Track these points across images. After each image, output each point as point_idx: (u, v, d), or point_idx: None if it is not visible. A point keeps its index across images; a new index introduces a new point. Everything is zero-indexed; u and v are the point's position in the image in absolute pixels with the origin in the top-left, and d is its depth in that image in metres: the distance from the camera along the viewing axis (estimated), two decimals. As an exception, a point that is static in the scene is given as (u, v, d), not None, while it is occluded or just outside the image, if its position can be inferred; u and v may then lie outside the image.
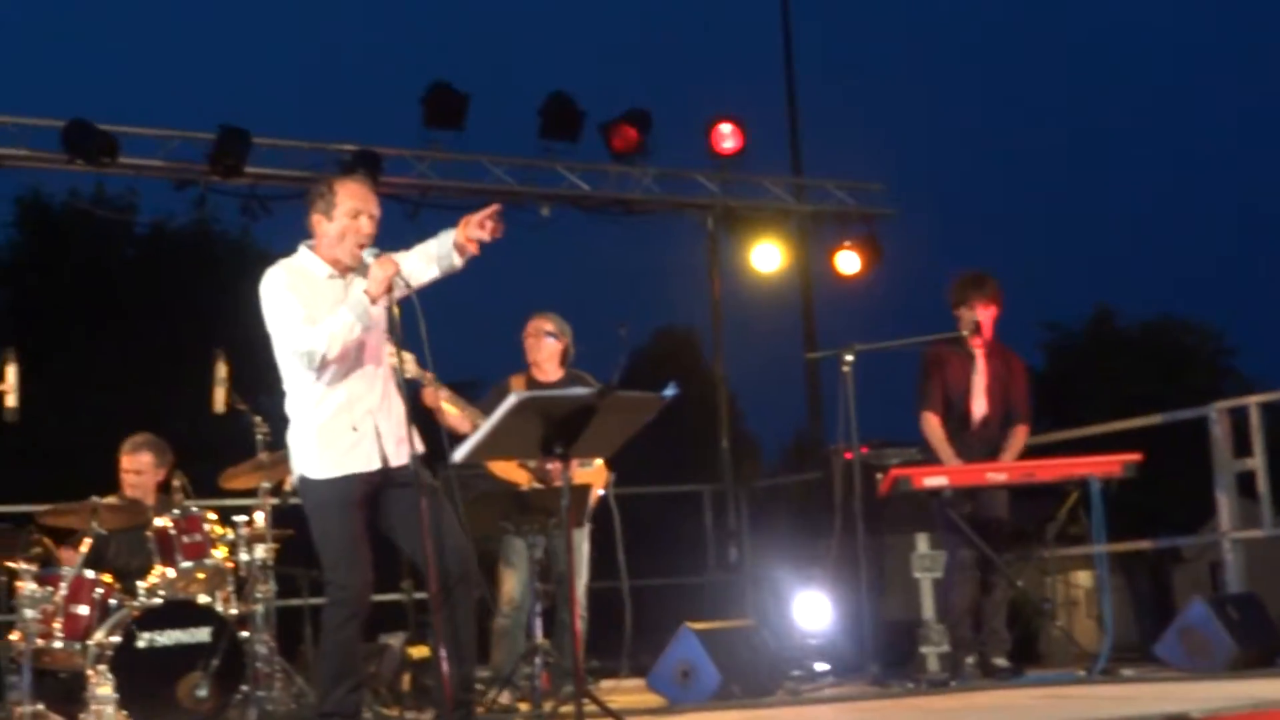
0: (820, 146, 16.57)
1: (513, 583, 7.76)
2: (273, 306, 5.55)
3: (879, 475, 7.96)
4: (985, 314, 7.98)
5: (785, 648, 8.94)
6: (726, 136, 12.56)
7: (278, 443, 7.13)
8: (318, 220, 5.62)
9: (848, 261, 13.05)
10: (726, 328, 13.28)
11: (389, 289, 5.42)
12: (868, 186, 13.32)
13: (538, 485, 7.58)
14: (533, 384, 7.81)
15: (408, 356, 6.20)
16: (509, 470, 7.67)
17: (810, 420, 14.91)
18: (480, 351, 7.83)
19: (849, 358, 7.81)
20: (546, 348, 8.01)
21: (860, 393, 7.88)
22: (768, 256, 13.33)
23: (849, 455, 8.11)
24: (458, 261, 5.59)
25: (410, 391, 5.83)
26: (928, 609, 7.72)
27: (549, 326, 8.04)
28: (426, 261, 5.58)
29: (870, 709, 7.15)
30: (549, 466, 7.57)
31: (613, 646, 8.01)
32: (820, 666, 8.48)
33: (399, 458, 5.53)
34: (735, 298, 13.93)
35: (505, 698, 7.51)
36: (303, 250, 5.68)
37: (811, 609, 9.27)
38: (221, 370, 7.70)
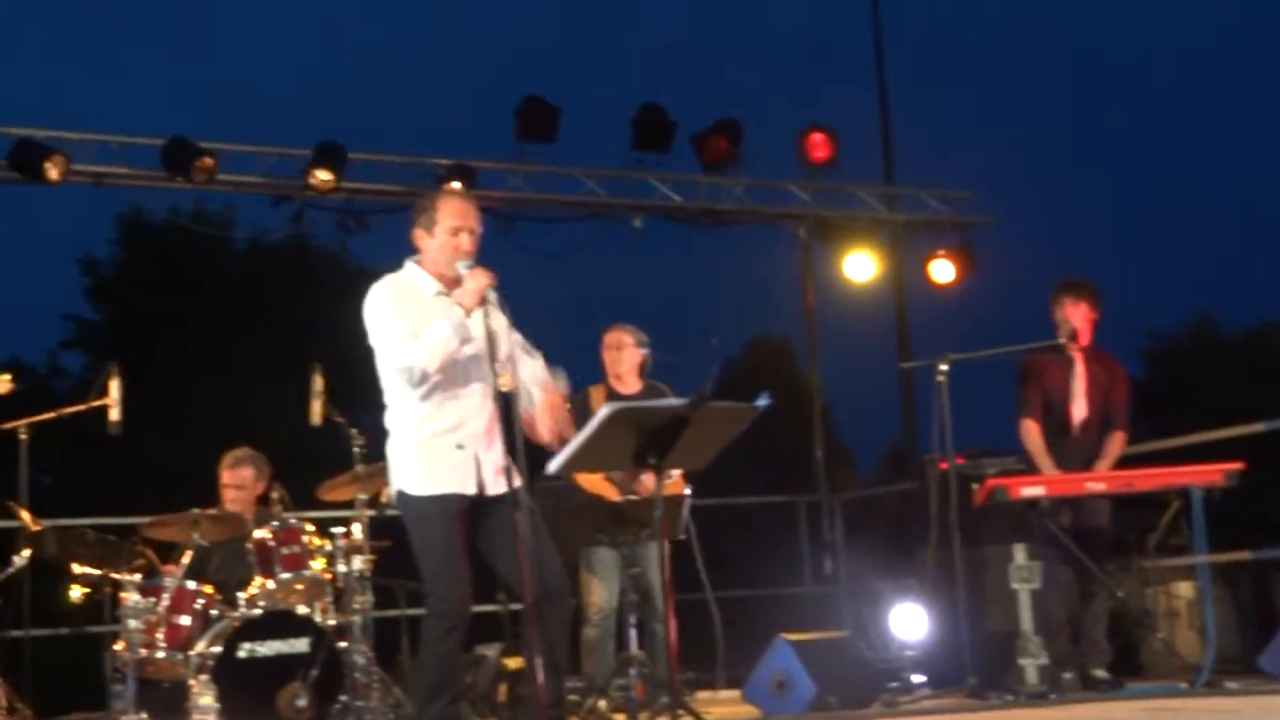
0: (913, 155, 16.44)
1: (599, 593, 7.77)
2: (376, 322, 5.58)
3: (975, 485, 7.89)
4: (1076, 313, 7.88)
5: (881, 659, 8.90)
6: (818, 146, 12.53)
7: (374, 455, 7.19)
8: (420, 235, 5.66)
9: (942, 270, 12.95)
10: (820, 338, 13.25)
11: (482, 300, 5.45)
12: (961, 195, 13.22)
13: (631, 497, 7.57)
14: (613, 396, 7.81)
15: (503, 368, 6.21)
16: (595, 483, 7.68)
17: (905, 430, 14.79)
18: (577, 364, 7.85)
19: (944, 367, 7.75)
20: (628, 359, 8.01)
21: (956, 402, 7.82)
22: (861, 266, 13.26)
23: (944, 465, 8.05)
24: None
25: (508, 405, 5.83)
26: (1026, 620, 7.64)
27: (631, 338, 8.04)
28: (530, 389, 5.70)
29: (967, 721, 7.10)
30: (639, 480, 7.57)
31: (708, 658, 8.00)
32: (917, 678, 8.43)
33: (496, 488, 5.54)
34: (828, 308, 13.87)
35: (601, 708, 7.52)
36: (409, 266, 5.71)
37: (908, 620, 9.21)
38: (318, 383, 7.77)
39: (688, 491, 7.66)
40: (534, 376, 5.75)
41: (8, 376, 6.32)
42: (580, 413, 7.40)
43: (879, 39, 15.16)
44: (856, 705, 7.39)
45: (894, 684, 8.16)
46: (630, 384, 7.99)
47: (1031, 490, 7.58)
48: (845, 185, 12.87)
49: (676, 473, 7.60)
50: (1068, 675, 7.73)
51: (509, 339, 5.67)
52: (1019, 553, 8.07)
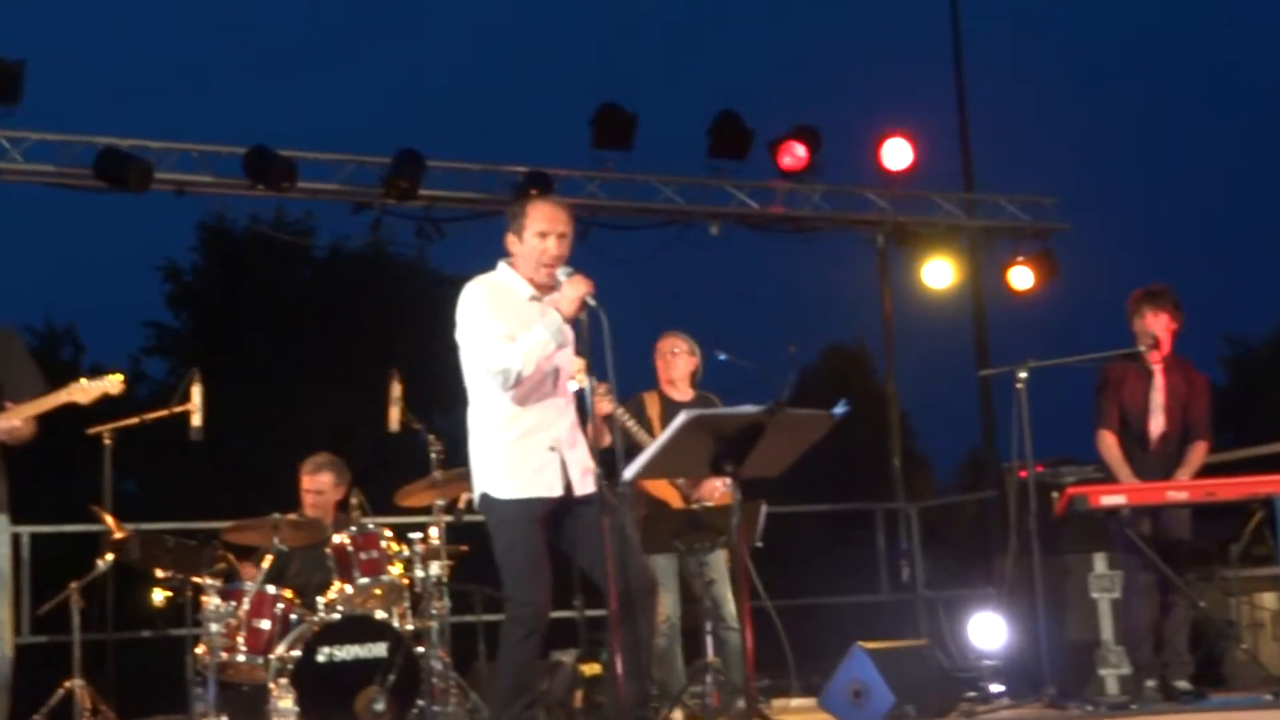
0: (993, 161, 16.33)
1: (664, 602, 7.76)
2: (470, 321, 5.60)
3: (1055, 494, 7.82)
4: (1157, 322, 7.78)
5: (959, 668, 8.85)
6: (897, 152, 12.48)
7: (452, 461, 7.23)
8: (511, 240, 5.70)
9: (1021, 277, 12.86)
10: (898, 345, 13.19)
11: (582, 307, 5.47)
12: (1041, 201, 13.12)
13: (694, 505, 7.57)
14: (666, 402, 7.81)
15: (579, 363, 6.24)
16: (661, 488, 7.68)
17: (984, 438, 14.70)
18: (654, 371, 7.88)
19: (1023, 375, 7.68)
20: (681, 366, 8.01)
21: (1035, 410, 7.75)
22: (939, 273, 13.19)
23: (1024, 474, 7.99)
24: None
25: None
26: (1106, 630, 7.58)
27: (684, 345, 8.05)
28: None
29: (1047, 732, 7.04)
30: (700, 488, 7.58)
31: (785, 665, 7.98)
32: (995, 688, 8.36)
33: (584, 488, 5.56)
34: (906, 315, 13.82)
35: (675, 716, 7.52)
36: (502, 267, 5.74)
37: (986, 629, 9.14)
38: (396, 389, 7.83)
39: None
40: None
41: (119, 377, 6.41)
42: (635, 417, 7.42)
43: (958, 44, 15.09)
44: (934, 715, 7.34)
45: (972, 694, 8.10)
46: (682, 391, 7.99)
47: (1112, 499, 7.50)
48: (924, 192, 12.82)
49: (717, 482, 7.60)
50: (1149, 686, 7.64)
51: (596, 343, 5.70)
52: (1099, 562, 8.02)
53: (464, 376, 5.67)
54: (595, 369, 5.59)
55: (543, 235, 5.61)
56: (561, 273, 5.54)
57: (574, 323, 5.53)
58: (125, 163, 10.09)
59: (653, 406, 7.72)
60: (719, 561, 7.57)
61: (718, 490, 7.59)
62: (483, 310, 5.57)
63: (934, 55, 17.08)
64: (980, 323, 14.41)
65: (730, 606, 7.71)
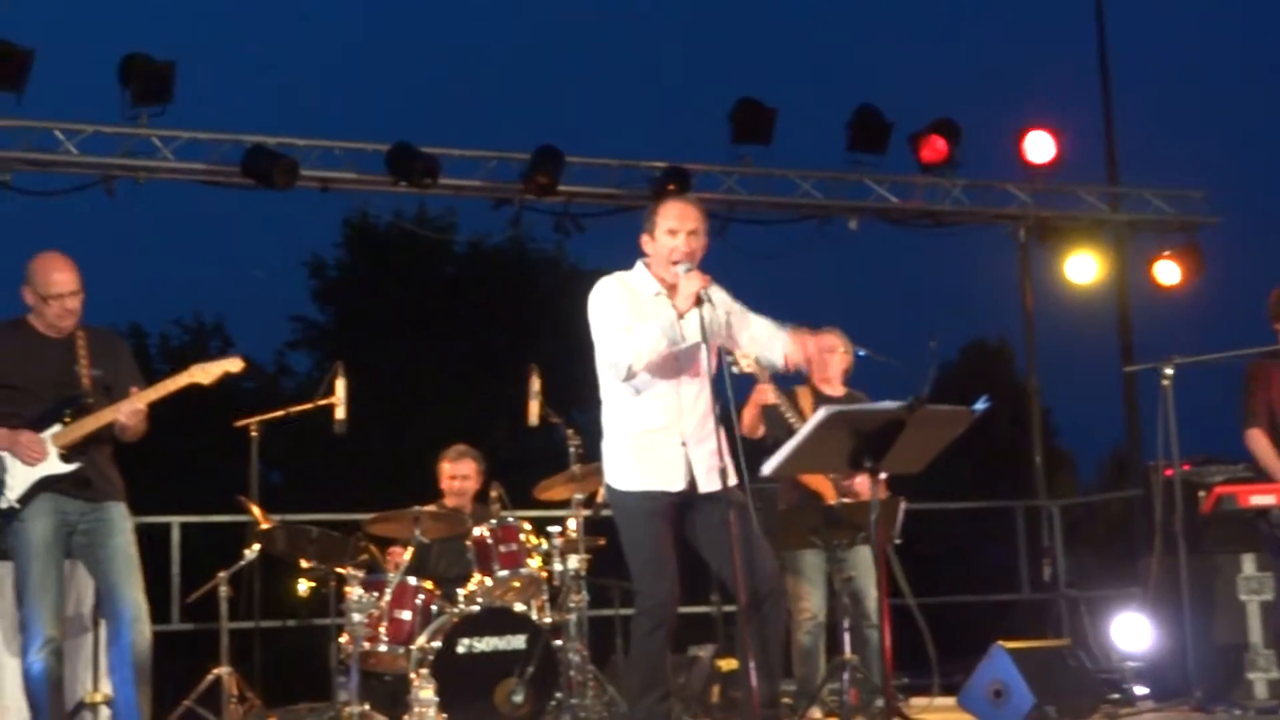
0: (1138, 153, 16.06)
1: (811, 598, 7.73)
2: (597, 316, 5.67)
3: (1201, 493, 7.67)
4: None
5: (1102, 670, 8.71)
6: (1039, 145, 12.32)
7: (590, 455, 7.28)
8: (646, 240, 5.75)
9: (1167, 272, 12.64)
10: (1039, 341, 13.02)
11: (697, 302, 5.48)
12: (1188, 194, 12.87)
13: (844, 499, 7.53)
14: (818, 397, 7.77)
15: (749, 351, 6.25)
16: (818, 481, 7.66)
17: (1128, 436, 14.45)
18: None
19: (1169, 371, 7.55)
20: (837, 363, 7.97)
21: (1181, 407, 7.62)
22: (1083, 268, 12.99)
23: (1169, 472, 7.85)
24: (777, 361, 5.80)
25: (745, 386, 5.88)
26: (1255, 633, 7.42)
27: (841, 343, 8.01)
28: (769, 339, 5.75)
29: (1193, 735, 6.92)
30: (853, 482, 7.53)
31: (923, 663, 7.91)
32: (1139, 690, 8.22)
33: (709, 485, 5.57)
34: (1048, 310, 13.63)
35: (814, 713, 7.50)
36: (638, 267, 5.81)
37: (1130, 630, 8.98)
38: (535, 384, 7.89)
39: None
40: (768, 337, 5.78)
41: (239, 358, 6.53)
42: (796, 412, 7.38)
43: (1102, 34, 14.84)
44: (1075, 716, 7.24)
45: (1115, 696, 7.98)
46: (836, 388, 7.95)
47: (1262, 499, 7.32)
48: (1067, 185, 12.64)
49: (882, 477, 7.55)
50: (1299, 691, 7.48)
51: (729, 316, 5.71)
52: (1248, 563, 7.84)
53: (597, 373, 5.71)
54: (709, 364, 5.60)
55: (672, 233, 5.65)
56: (680, 269, 5.57)
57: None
58: (271, 160, 10.27)
59: (805, 401, 7.69)
60: (863, 558, 7.52)
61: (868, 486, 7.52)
62: (606, 305, 5.65)
63: (1077, 45, 16.81)
64: (1125, 318, 14.17)
65: (871, 603, 7.67)
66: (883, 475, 7.30)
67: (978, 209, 12.36)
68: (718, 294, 5.68)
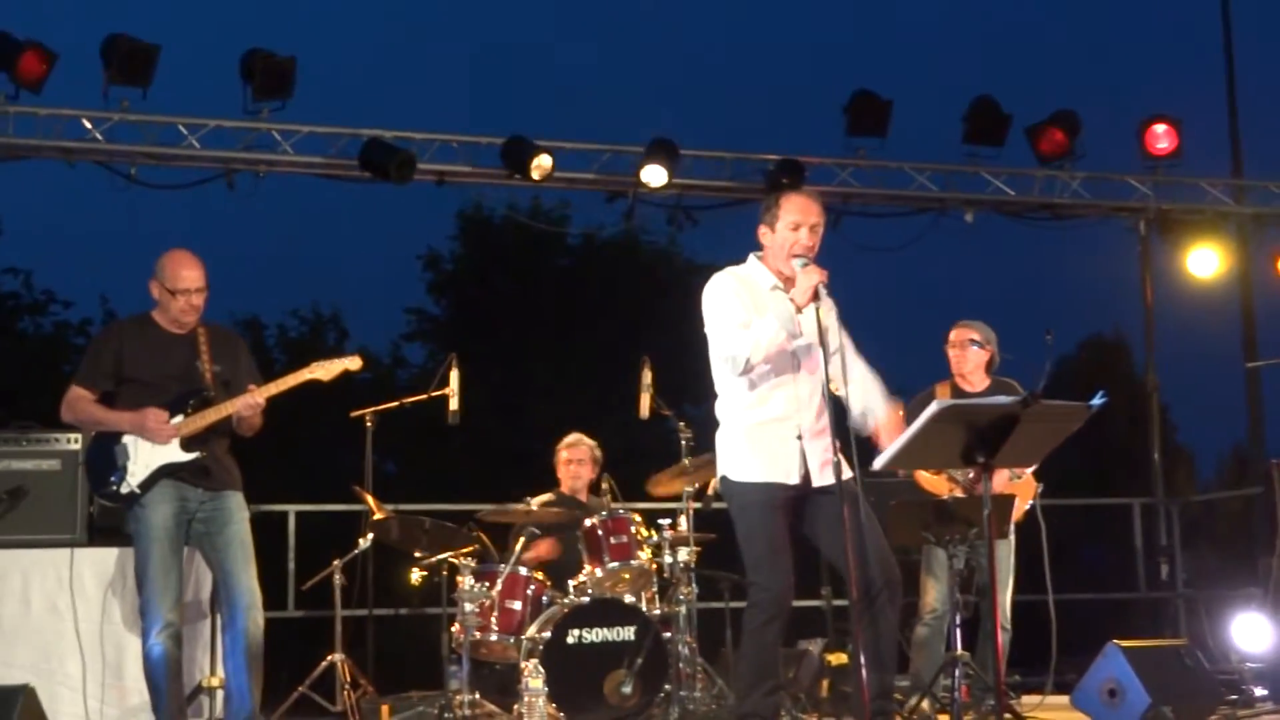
0: (1263, 145, 15.74)
1: (934, 592, 7.67)
2: (712, 310, 5.68)
3: (1325, 492, 7.52)
4: None
5: (1220, 670, 8.56)
6: (1160, 137, 12.11)
7: (701, 448, 7.28)
8: (763, 232, 5.75)
9: (1293, 266, 12.38)
10: (1159, 336, 12.80)
11: (815, 296, 5.46)
12: (1315, 187, 12.60)
13: (958, 494, 7.46)
14: (958, 393, 7.69)
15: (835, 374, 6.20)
16: (933, 483, 7.60)
17: (1250, 433, 14.18)
18: (904, 360, 7.82)
19: (1292, 367, 7.41)
20: (972, 358, 7.88)
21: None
22: (1205, 261, 12.76)
23: (1292, 470, 7.70)
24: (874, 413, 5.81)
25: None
26: (1379, 635, 7.25)
27: (974, 335, 7.90)
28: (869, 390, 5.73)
29: (1314, 739, 6.78)
30: (972, 476, 7.46)
31: (1038, 662, 7.83)
32: (1259, 691, 8.08)
33: (823, 479, 5.55)
34: (1169, 305, 13.39)
35: (925, 707, 7.44)
36: (751, 260, 5.81)
37: (1250, 630, 8.83)
38: (647, 377, 7.91)
39: (1034, 497, 7.51)
40: (870, 388, 5.76)
41: (357, 357, 6.64)
42: (922, 409, 7.34)
43: (1227, 23, 14.55)
44: (1193, 717, 7.13)
45: (1234, 697, 7.84)
46: (976, 382, 7.86)
47: (1387, 498, 7.18)
48: (1189, 177, 12.41)
49: (1028, 473, 7.48)
50: None
51: (840, 337, 5.69)
52: (1373, 563, 7.66)
53: (711, 365, 5.71)
54: (817, 356, 5.57)
55: (795, 227, 5.64)
56: (797, 263, 5.56)
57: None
58: (388, 154, 10.37)
59: (944, 397, 7.62)
60: (999, 552, 7.42)
61: (1004, 479, 7.44)
62: (722, 298, 5.65)
63: (1200, 35, 16.53)
64: (1248, 313, 13.90)
65: (1003, 601, 7.57)
66: (1028, 472, 7.26)
67: (1097, 202, 12.18)
68: (828, 303, 5.65)
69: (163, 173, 10.40)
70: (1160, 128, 12.11)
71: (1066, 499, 13.37)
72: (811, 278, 5.50)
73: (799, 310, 5.51)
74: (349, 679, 7.80)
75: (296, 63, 10.27)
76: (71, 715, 6.95)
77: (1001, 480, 7.46)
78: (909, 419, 7.23)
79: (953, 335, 7.95)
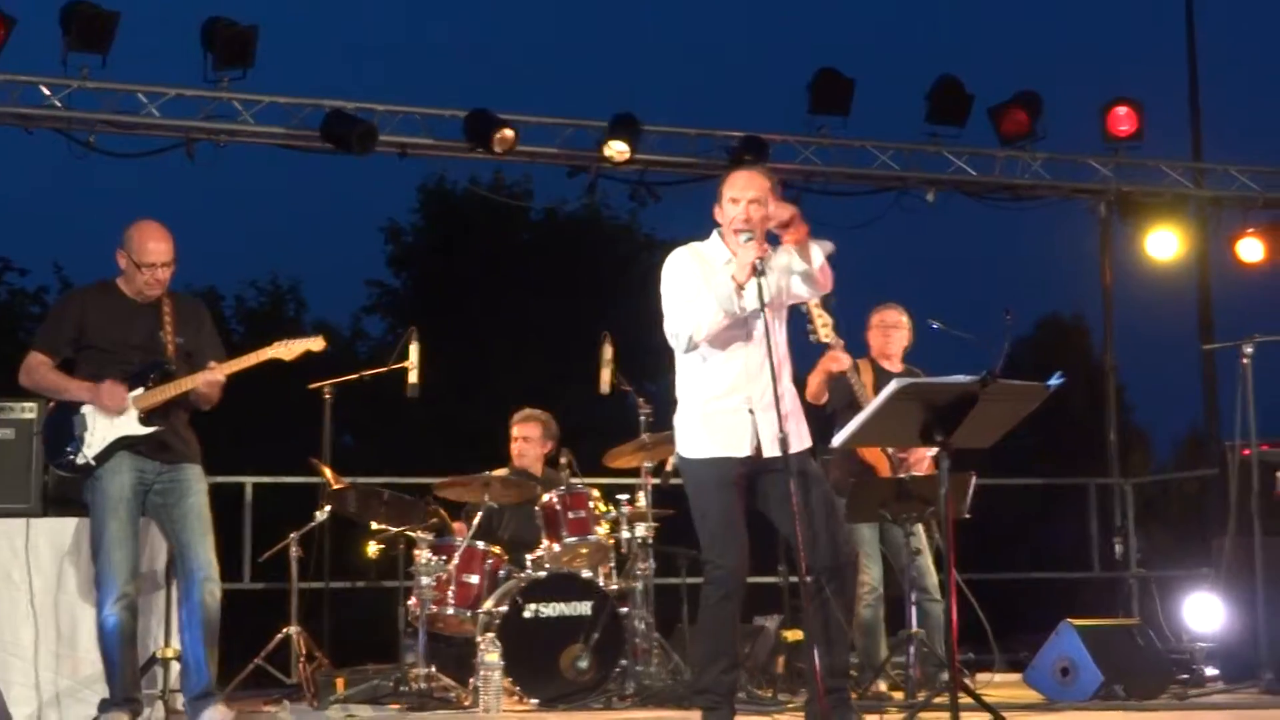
0: (1223, 129, 15.82)
1: (871, 572, 7.72)
2: (666, 286, 5.69)
3: (1278, 474, 7.59)
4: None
5: (1172, 650, 8.64)
6: (1122, 119, 12.14)
7: (660, 424, 7.28)
8: (717, 211, 5.75)
9: (1250, 249, 12.45)
10: (1117, 317, 12.88)
11: (754, 272, 5.46)
12: (1274, 171, 12.67)
13: (902, 474, 7.51)
14: (880, 373, 7.74)
15: (828, 320, 6.23)
16: (873, 454, 7.64)
17: (1205, 415, 14.30)
18: (863, 336, 7.86)
19: (1249, 350, 7.47)
20: (900, 340, 7.96)
21: (1260, 387, 7.53)
22: (1164, 243, 12.81)
23: (1246, 452, 7.76)
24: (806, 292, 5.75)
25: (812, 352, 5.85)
26: (1329, 616, 7.32)
27: (906, 319, 7.99)
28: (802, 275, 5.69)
29: (1262, 718, 6.84)
30: (909, 455, 7.52)
31: (986, 639, 7.87)
32: (1209, 671, 8.15)
33: (772, 451, 5.54)
34: (1127, 286, 13.48)
35: (879, 686, 7.48)
36: (714, 236, 5.81)
37: (1202, 610, 8.90)
38: (608, 352, 7.91)
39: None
40: (789, 266, 5.71)
41: (320, 337, 6.63)
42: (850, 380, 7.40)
43: (1190, 7, 14.63)
44: (1144, 696, 7.19)
45: (1185, 676, 7.91)
46: (895, 364, 7.93)
47: (1339, 481, 7.25)
48: (1150, 160, 12.46)
49: (931, 453, 7.52)
50: (1373, 676, 7.38)
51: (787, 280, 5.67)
52: (1323, 545, 7.73)
53: (668, 343, 5.71)
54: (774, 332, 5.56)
55: (734, 201, 5.64)
56: (741, 238, 5.55)
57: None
58: (350, 125, 10.31)
59: (865, 375, 7.68)
60: (923, 531, 7.51)
61: (925, 460, 7.53)
62: (675, 276, 5.66)
63: (1163, 18, 16.59)
64: (1205, 295, 14.01)
65: (933, 577, 7.65)
66: (931, 451, 7.30)
67: (1058, 183, 12.22)
68: (781, 259, 5.64)
69: (122, 141, 10.33)
70: (1121, 110, 12.15)
71: (1026, 478, 13.48)
72: (749, 253, 5.49)
73: (740, 286, 5.50)
74: (305, 651, 7.79)
75: (258, 32, 10.19)
76: (23, 685, 6.89)
77: (923, 458, 7.52)
78: (833, 399, 7.31)
79: (882, 317, 8.02)
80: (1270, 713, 6.87)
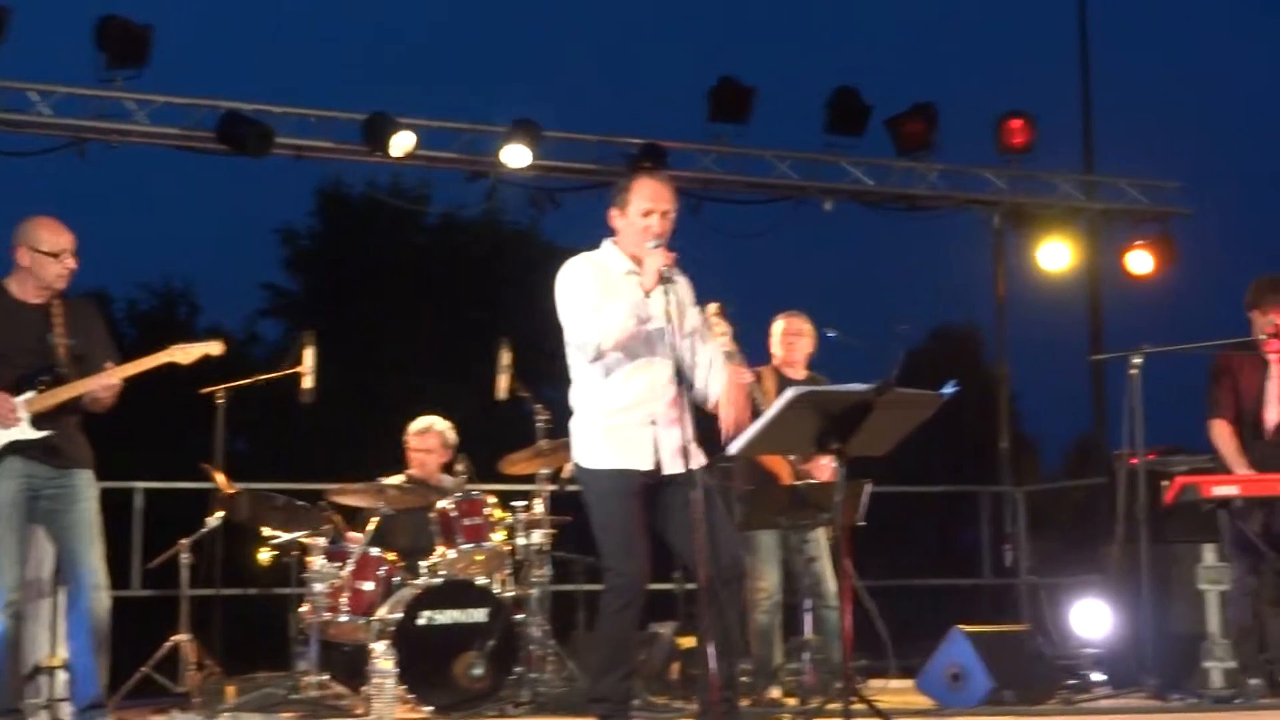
0: (1114, 142, 16.08)
1: (767, 578, 7.76)
2: (566, 296, 5.64)
3: (1165, 483, 7.71)
4: (1277, 313, 7.63)
5: (1061, 655, 8.74)
6: (1016, 131, 12.32)
7: (558, 430, 7.28)
8: (615, 215, 5.71)
9: (1139, 261, 12.67)
10: (1010, 327, 13.04)
11: (662, 279, 5.46)
12: (1163, 184, 12.91)
13: (806, 480, 7.55)
14: (784, 381, 7.79)
15: (726, 329, 6.25)
16: (774, 462, 7.68)
17: (1095, 424, 14.51)
18: (762, 344, 7.90)
19: (1137, 360, 7.58)
20: (804, 347, 8.01)
21: (1149, 397, 7.65)
22: (1056, 255, 13.01)
23: (1134, 461, 7.88)
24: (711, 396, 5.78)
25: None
26: (1213, 622, 7.45)
27: (810, 326, 8.04)
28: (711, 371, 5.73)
29: (1148, 723, 6.96)
30: (811, 464, 7.57)
31: (882, 646, 7.94)
32: (1096, 676, 8.26)
33: (674, 466, 5.55)
34: (1020, 297, 13.64)
35: (773, 692, 7.52)
36: (606, 244, 5.77)
37: (1090, 617, 9.03)
38: (505, 358, 7.89)
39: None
40: (715, 372, 5.75)
41: (219, 341, 6.55)
42: (752, 394, 7.41)
43: (1083, 22, 14.84)
44: (1032, 701, 7.28)
45: (1072, 681, 8.01)
46: (799, 371, 7.98)
47: (1224, 490, 7.37)
48: (1042, 172, 12.65)
49: (827, 460, 7.57)
50: (1254, 681, 7.51)
51: (693, 318, 5.71)
52: (1208, 553, 7.86)
53: (566, 351, 5.69)
54: (670, 340, 5.56)
55: (647, 213, 5.61)
56: (648, 245, 5.55)
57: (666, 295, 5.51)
58: (246, 127, 10.21)
59: (769, 383, 7.71)
60: (820, 539, 7.56)
61: (827, 468, 7.57)
62: (575, 284, 5.62)
63: (1057, 33, 16.81)
64: (1095, 307, 14.22)
65: (831, 584, 7.71)
66: (828, 459, 7.35)
67: (953, 194, 12.37)
68: (682, 282, 5.67)
69: (12, 139, 10.15)
70: (1016, 123, 12.32)
71: (917, 486, 13.60)
72: (656, 260, 5.49)
73: (647, 294, 5.50)
74: (195, 660, 7.69)
75: (153, 30, 10.06)
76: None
77: (824, 466, 7.57)
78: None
79: (788, 324, 8.06)
80: (1154, 717, 6.97)
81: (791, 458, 7.58)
